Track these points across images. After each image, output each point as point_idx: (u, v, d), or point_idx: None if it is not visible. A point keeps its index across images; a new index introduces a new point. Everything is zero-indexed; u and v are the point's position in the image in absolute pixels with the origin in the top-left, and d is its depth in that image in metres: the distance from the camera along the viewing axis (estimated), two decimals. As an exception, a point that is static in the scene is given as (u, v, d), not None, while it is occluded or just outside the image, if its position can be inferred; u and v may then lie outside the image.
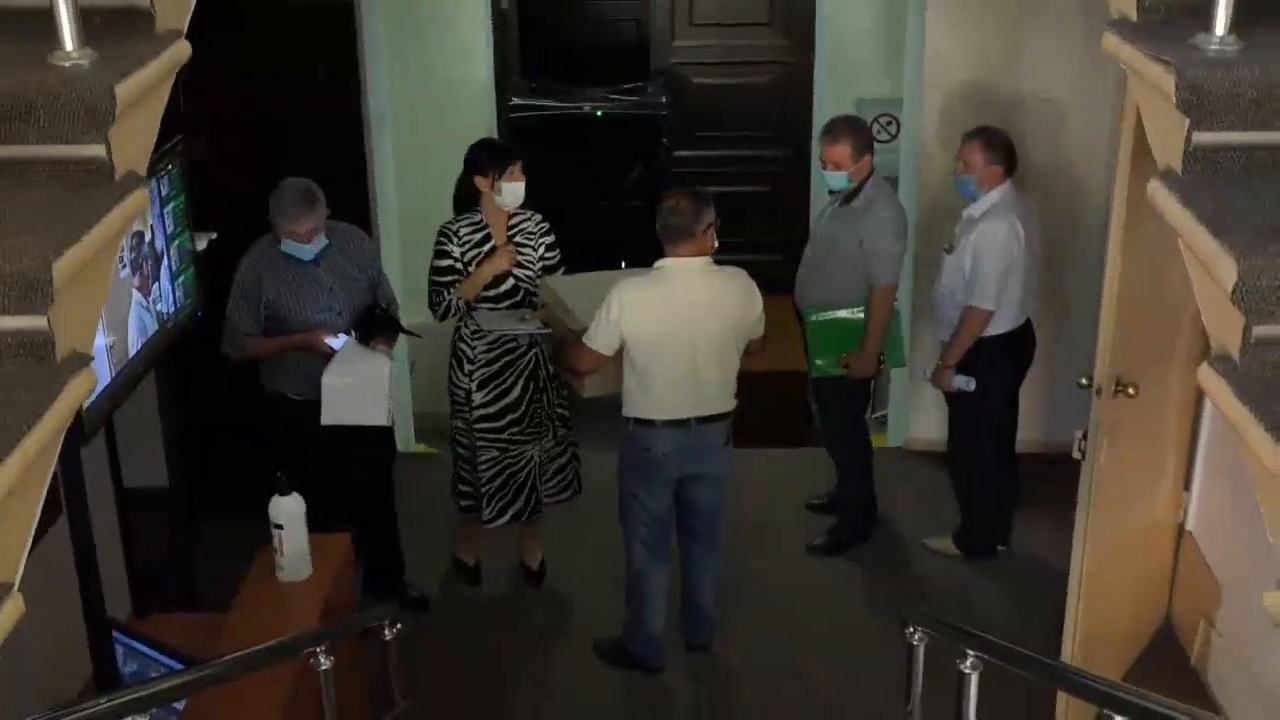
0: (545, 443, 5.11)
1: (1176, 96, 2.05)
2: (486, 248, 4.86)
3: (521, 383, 4.98)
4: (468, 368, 4.95)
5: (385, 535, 5.13)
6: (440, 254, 4.86)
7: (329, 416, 4.56)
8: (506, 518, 5.13)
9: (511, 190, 4.80)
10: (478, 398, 4.96)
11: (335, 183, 5.71)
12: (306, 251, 4.61)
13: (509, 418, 5.00)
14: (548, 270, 4.98)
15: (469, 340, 4.94)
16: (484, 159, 4.84)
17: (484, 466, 5.03)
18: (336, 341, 4.63)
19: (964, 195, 5.07)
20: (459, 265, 4.84)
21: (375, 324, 4.74)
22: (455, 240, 4.84)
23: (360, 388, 4.56)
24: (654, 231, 4.43)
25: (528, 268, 4.93)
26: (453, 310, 4.88)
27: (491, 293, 4.88)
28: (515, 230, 4.92)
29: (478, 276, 4.84)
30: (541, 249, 4.97)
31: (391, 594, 4.95)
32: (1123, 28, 2.33)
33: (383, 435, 4.94)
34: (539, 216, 4.99)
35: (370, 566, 5.04)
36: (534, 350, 4.97)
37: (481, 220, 4.86)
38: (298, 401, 4.69)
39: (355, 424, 4.61)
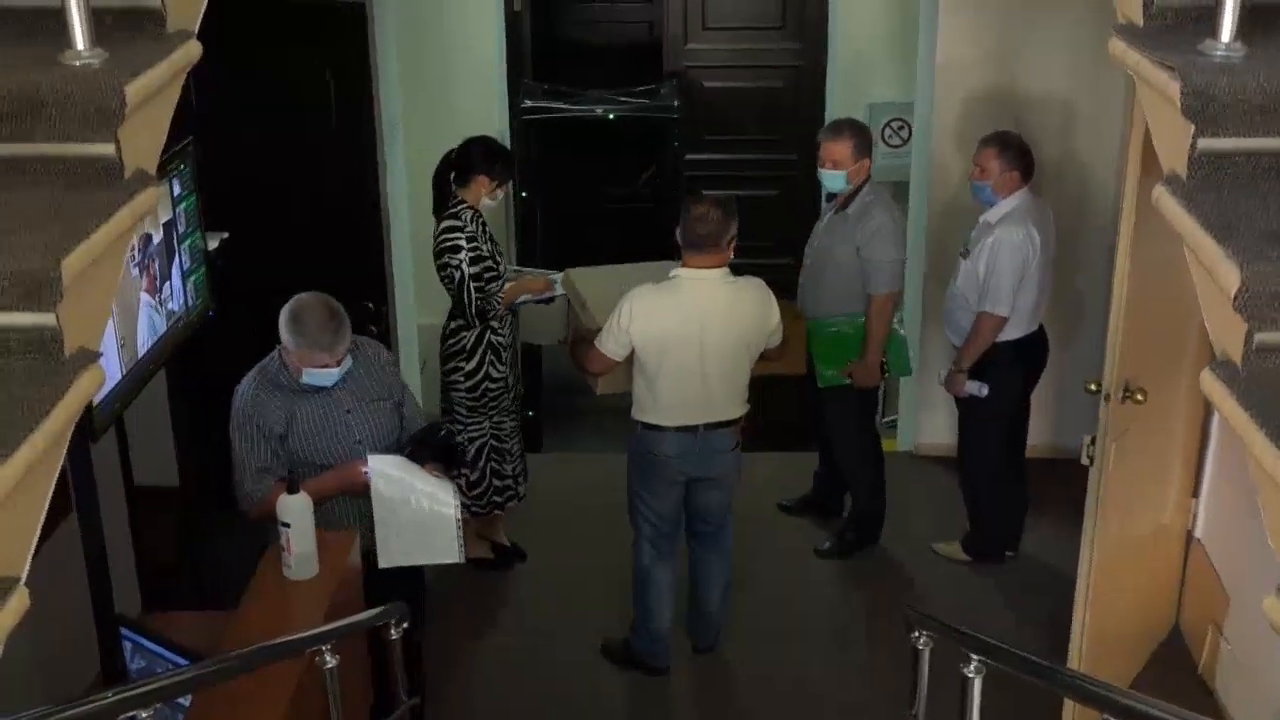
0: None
1: (1182, 102, 2.05)
2: (486, 235, 5.01)
3: (517, 355, 5.27)
4: (505, 355, 5.11)
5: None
6: (475, 259, 4.93)
7: (388, 558, 3.87)
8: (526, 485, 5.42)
9: (499, 197, 5.04)
10: (511, 379, 5.16)
11: (348, 187, 5.75)
12: (332, 377, 3.86)
13: (515, 390, 5.24)
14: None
15: (500, 330, 5.08)
16: (496, 166, 4.97)
17: (516, 446, 5.26)
18: (382, 463, 3.82)
19: (981, 200, 5.06)
20: (490, 261, 4.98)
21: (433, 446, 3.96)
22: (481, 238, 4.96)
23: (426, 520, 3.81)
24: (664, 234, 4.43)
25: (497, 243, 5.19)
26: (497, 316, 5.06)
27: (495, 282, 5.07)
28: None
29: (518, 290, 5.13)
30: None
31: None
32: (1129, 33, 2.33)
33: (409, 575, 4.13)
34: None
35: None
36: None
37: (475, 211, 4.98)
38: None
39: (418, 564, 4.02)
